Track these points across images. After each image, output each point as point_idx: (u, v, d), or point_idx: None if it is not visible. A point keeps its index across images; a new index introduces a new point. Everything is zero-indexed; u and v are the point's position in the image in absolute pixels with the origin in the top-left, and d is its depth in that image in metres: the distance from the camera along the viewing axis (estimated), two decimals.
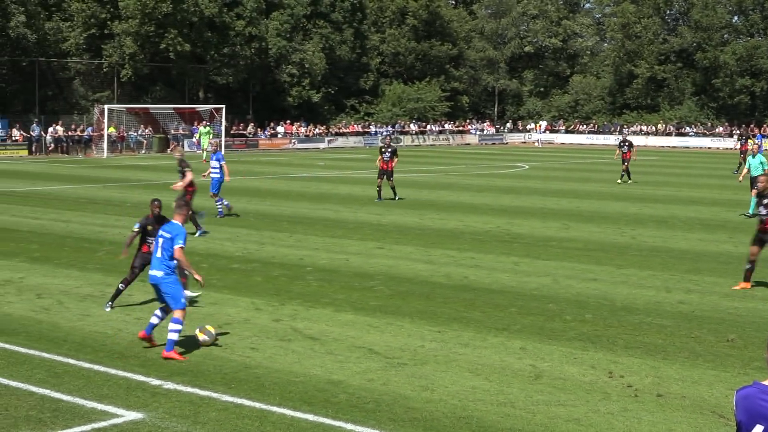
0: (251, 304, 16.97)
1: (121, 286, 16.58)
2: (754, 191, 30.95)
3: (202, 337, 14.05)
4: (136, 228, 16.08)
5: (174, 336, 13.45)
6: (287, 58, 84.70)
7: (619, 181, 45.01)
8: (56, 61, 74.45)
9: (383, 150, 35.12)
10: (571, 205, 34.82)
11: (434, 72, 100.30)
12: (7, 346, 13.93)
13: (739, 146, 55.85)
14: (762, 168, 31.61)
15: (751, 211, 30.82)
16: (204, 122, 67.93)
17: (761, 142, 55.62)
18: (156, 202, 16.27)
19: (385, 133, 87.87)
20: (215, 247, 23.78)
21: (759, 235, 19.09)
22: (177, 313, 13.53)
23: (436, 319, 15.96)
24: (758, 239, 19.07)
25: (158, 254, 13.69)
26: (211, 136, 64.10)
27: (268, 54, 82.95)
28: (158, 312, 13.92)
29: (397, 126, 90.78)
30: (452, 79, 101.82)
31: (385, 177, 34.96)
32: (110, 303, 16.42)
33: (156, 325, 13.92)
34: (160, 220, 15.54)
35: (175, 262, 13.62)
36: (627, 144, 45.76)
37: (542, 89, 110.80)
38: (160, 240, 13.73)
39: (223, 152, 33.26)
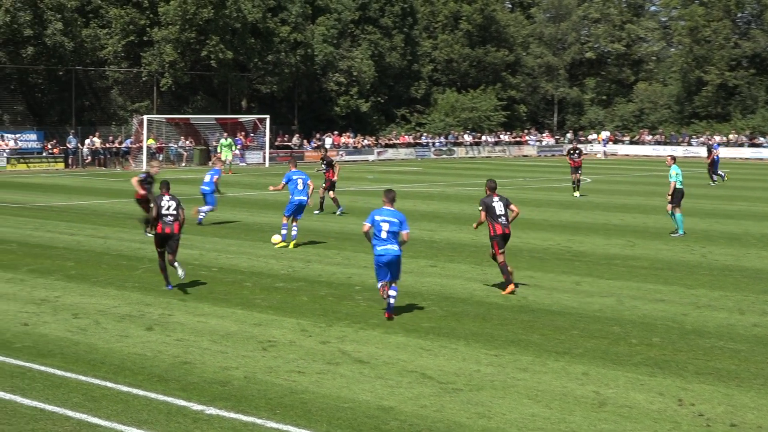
0: (297, 326, 17.02)
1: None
2: (670, 206, 30.60)
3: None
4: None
5: (394, 300, 17.83)
6: (334, 66, 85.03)
7: (576, 194, 44.50)
8: (93, 70, 75.23)
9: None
10: (637, 220, 34.58)
11: (489, 80, 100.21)
12: (42, 368, 14.07)
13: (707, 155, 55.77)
14: (671, 180, 30.65)
15: (681, 231, 30.32)
16: (225, 134, 68.47)
17: (717, 151, 55.61)
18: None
19: (437, 144, 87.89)
20: (259, 264, 23.89)
21: None
22: (397, 283, 18.04)
23: (493, 342, 15.91)
24: None
25: (384, 236, 17.68)
26: (233, 148, 65.24)
27: (314, 61, 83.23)
28: (392, 292, 17.83)
29: (450, 137, 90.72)
30: (509, 86, 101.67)
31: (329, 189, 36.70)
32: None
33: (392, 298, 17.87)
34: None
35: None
36: (577, 152, 46.19)
37: (604, 97, 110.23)
38: (386, 224, 17.69)
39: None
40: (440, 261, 24.70)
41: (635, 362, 14.75)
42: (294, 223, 27.33)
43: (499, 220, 20.27)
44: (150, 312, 18.04)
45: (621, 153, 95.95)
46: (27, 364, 14.27)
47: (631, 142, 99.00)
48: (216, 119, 74.31)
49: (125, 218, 33.84)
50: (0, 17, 65.55)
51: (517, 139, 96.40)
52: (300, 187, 27.23)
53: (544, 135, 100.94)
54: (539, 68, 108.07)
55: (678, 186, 30.57)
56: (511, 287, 20.19)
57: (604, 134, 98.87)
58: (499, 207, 20.36)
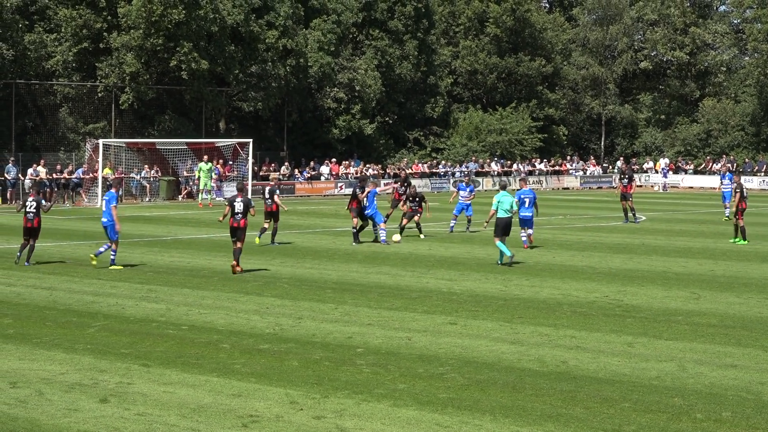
0: (285, 396, 16.99)
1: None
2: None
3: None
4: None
5: (526, 237, 38.01)
6: (332, 79, 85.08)
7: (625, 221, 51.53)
8: (38, 84, 75.34)
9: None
10: (703, 267, 34.53)
11: (522, 95, 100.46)
12: None
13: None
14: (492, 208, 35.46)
15: (500, 261, 34.28)
16: (205, 157, 68.65)
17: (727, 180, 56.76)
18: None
19: (458, 174, 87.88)
20: (239, 321, 23.86)
21: None
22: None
23: (526, 417, 15.87)
24: None
25: (526, 204, 36.29)
26: (213, 175, 66.18)
27: (308, 73, 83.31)
28: (530, 230, 37.32)
29: (473, 165, 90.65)
30: (546, 104, 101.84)
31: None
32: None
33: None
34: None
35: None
36: (628, 176, 52.04)
37: (663, 117, 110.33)
38: (527, 199, 35.76)
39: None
40: (461, 317, 24.64)
41: None
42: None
43: (236, 216, 31.80)
44: (105, 380, 18.00)
45: (684, 185, 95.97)
46: None
47: (696, 172, 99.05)
48: (187, 144, 74.11)
49: (75, 265, 33.85)
50: None
51: (556, 167, 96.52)
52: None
53: (588, 163, 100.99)
54: (583, 81, 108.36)
55: (501, 215, 34.50)
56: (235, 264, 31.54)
57: (663, 162, 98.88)
58: (238, 206, 31.82)
